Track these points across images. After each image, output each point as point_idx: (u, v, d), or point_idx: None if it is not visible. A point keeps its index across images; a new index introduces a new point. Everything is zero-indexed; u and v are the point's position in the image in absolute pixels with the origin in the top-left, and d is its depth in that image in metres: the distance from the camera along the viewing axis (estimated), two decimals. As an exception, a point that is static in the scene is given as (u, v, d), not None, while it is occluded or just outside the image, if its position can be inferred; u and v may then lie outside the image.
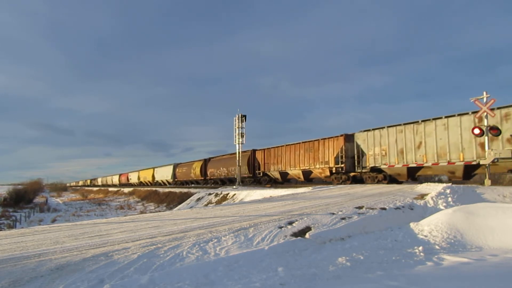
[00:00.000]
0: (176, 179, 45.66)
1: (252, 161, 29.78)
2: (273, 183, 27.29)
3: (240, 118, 29.17)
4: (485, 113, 13.05)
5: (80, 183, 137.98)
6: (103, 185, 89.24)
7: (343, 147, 20.29)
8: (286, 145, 25.49)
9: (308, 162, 23.11)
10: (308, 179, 24.34)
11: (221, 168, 34.09)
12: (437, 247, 6.04)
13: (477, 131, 13.24)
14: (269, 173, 27.69)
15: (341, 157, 20.30)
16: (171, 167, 46.79)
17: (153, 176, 53.59)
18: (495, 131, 13.06)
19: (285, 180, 26.76)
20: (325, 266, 4.91)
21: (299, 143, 24.13)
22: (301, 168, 23.66)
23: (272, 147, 27.34)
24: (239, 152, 29.23)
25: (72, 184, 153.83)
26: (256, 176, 29.46)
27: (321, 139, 22.12)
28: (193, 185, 40.07)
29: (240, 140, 29.06)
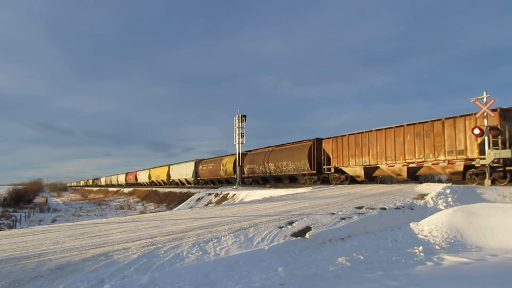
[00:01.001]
0: (198, 178, 39.17)
1: (314, 154, 23.25)
2: (350, 181, 21.39)
3: (240, 118, 29.21)
4: (485, 113, 13.05)
5: (82, 183, 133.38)
6: (107, 185, 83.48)
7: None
8: (377, 129, 19.16)
9: (419, 152, 16.71)
10: (414, 176, 18.12)
11: (265, 164, 27.17)
12: (437, 247, 6.04)
13: (477, 131, 13.24)
14: (345, 169, 21.29)
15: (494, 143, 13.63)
16: (192, 164, 40.94)
17: (168, 175, 47.71)
18: (495, 131, 13.05)
19: (370, 179, 20.68)
20: (325, 266, 4.91)
21: (403, 125, 17.72)
22: (407, 160, 17.29)
23: (351, 134, 20.96)
24: (239, 153, 29.23)
25: (73, 184, 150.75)
26: (323, 173, 22.98)
27: (448, 118, 15.65)
28: (222, 184, 34.09)
29: (240, 140, 29.10)
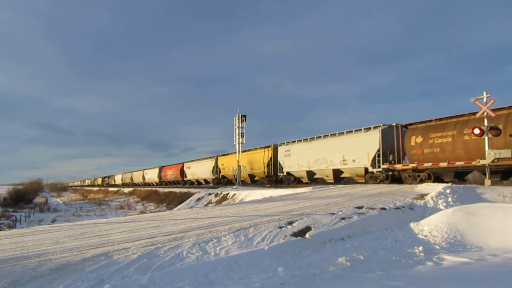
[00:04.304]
0: (411, 166, 16.68)
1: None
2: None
3: (240, 118, 29.23)
4: (485, 113, 13.04)
5: (87, 182, 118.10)
6: (124, 185, 67.90)
7: None
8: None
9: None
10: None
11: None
12: (437, 247, 6.04)
13: (477, 131, 13.23)
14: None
15: None
16: (376, 135, 18.34)
17: (272, 164, 26.51)
18: (495, 131, 13.05)
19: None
20: (325, 266, 4.91)
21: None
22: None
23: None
24: (239, 152, 29.23)
25: (77, 183, 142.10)
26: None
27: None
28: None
29: (240, 140, 29.09)
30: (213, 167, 35.23)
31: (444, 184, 12.90)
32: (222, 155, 34.41)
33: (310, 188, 18.34)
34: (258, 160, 28.33)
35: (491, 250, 5.79)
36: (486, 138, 13.13)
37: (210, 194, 25.23)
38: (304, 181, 23.66)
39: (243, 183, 29.14)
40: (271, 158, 26.75)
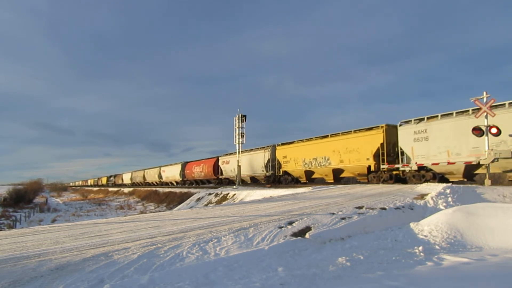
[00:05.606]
0: None
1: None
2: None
3: (240, 118, 29.20)
4: (485, 113, 13.03)
5: (90, 182, 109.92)
6: (134, 184, 61.81)
7: None
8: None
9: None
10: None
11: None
12: (437, 247, 6.04)
13: (477, 131, 13.22)
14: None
15: None
16: None
17: (381, 155, 17.80)
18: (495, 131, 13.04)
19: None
20: (325, 266, 4.91)
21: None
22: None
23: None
24: (239, 152, 29.21)
25: (79, 183, 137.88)
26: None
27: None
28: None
29: (240, 140, 29.07)
30: (267, 160, 26.81)
31: (444, 184, 12.88)
32: (282, 144, 26.17)
33: (310, 188, 18.33)
34: (353, 148, 19.71)
35: (491, 250, 5.79)
36: (486, 138, 13.12)
37: (210, 194, 25.24)
38: (451, 179, 15.29)
39: (313, 181, 23.60)
40: (382, 144, 17.95)
